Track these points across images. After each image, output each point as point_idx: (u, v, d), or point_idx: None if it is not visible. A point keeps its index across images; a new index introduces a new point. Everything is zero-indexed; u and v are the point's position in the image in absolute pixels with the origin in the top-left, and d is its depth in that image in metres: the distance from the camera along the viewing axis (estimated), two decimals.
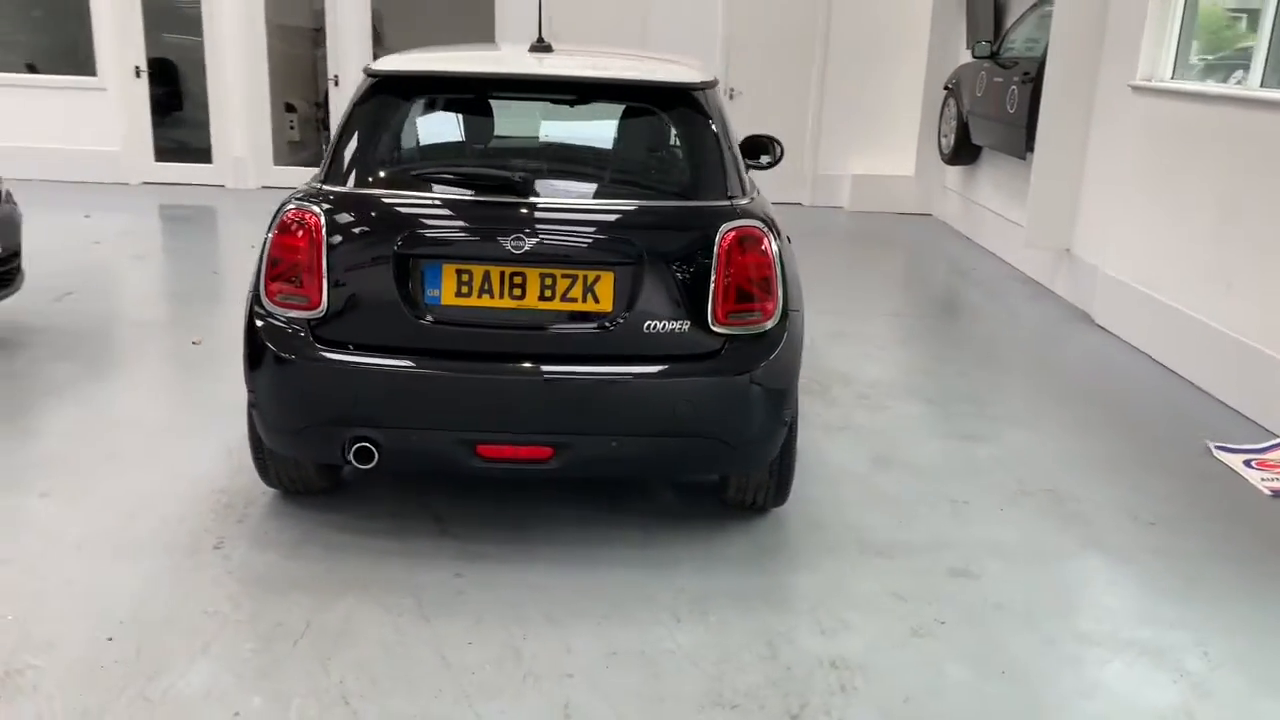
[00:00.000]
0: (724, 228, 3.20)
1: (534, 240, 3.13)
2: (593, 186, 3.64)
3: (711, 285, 3.17)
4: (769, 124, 10.47)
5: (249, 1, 10.12)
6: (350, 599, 3.09)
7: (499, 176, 3.37)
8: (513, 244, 3.12)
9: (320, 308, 3.18)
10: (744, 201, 3.34)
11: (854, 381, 5.22)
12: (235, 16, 10.11)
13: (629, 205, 3.36)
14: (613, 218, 3.29)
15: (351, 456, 3.18)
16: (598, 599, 3.13)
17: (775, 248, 3.25)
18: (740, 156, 3.54)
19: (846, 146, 10.55)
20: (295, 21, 11.29)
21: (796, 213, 10.30)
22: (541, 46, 3.70)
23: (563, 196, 3.38)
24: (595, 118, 3.80)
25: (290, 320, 3.19)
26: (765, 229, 3.25)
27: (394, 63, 3.53)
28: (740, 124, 3.91)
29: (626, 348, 3.18)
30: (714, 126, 3.41)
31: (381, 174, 3.34)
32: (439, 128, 3.57)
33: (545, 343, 3.18)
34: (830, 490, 3.94)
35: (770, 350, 3.25)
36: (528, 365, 3.15)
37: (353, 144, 3.35)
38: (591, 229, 3.24)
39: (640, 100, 3.59)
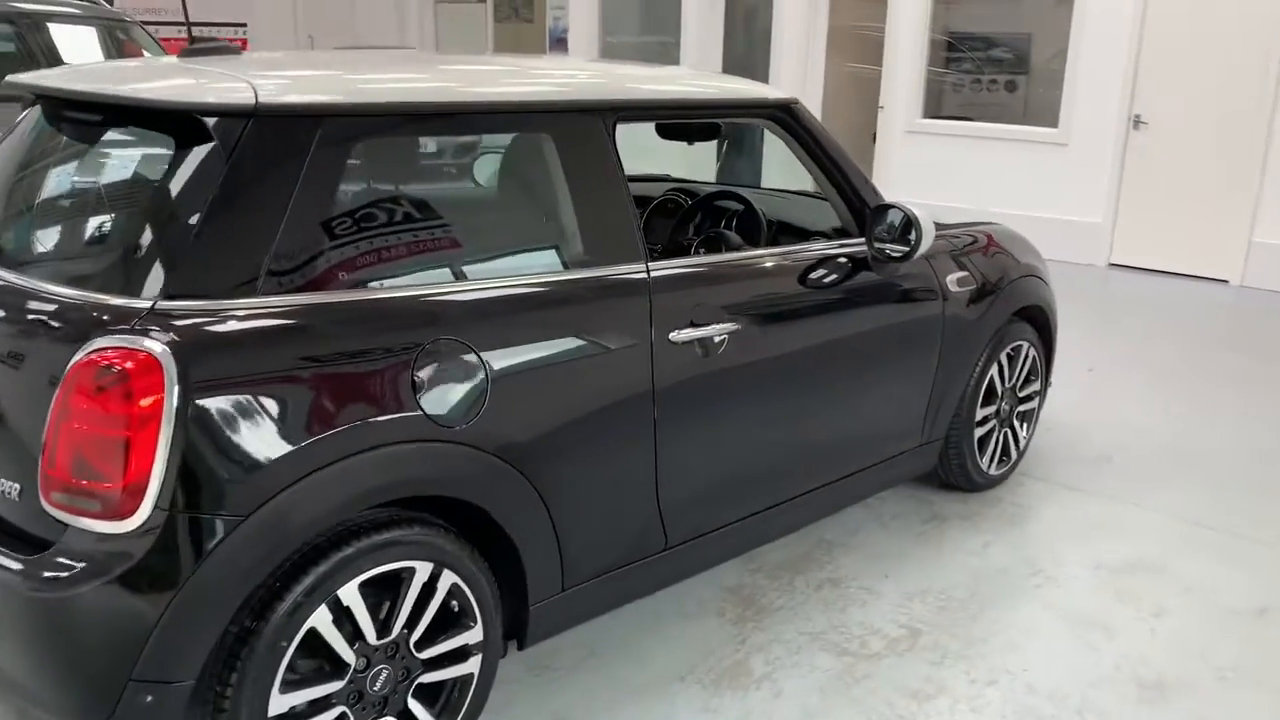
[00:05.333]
0: (85, 347, 1.87)
1: None
2: (27, 250, 2.34)
3: (43, 439, 1.90)
4: None
5: None
6: None
7: None
8: None
9: None
10: (219, 307, 1.94)
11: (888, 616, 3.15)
12: None
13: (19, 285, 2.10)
14: None
15: None
16: None
17: (173, 395, 1.84)
18: (288, 228, 2.04)
19: None
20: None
21: None
22: (197, 49, 2.46)
23: None
24: (123, 149, 2.42)
25: None
26: (164, 358, 1.84)
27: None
28: None
29: None
30: (213, 179, 2.00)
31: None
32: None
33: None
34: None
35: (106, 569, 1.85)
36: None
37: None
38: None
39: (164, 130, 2.16)
